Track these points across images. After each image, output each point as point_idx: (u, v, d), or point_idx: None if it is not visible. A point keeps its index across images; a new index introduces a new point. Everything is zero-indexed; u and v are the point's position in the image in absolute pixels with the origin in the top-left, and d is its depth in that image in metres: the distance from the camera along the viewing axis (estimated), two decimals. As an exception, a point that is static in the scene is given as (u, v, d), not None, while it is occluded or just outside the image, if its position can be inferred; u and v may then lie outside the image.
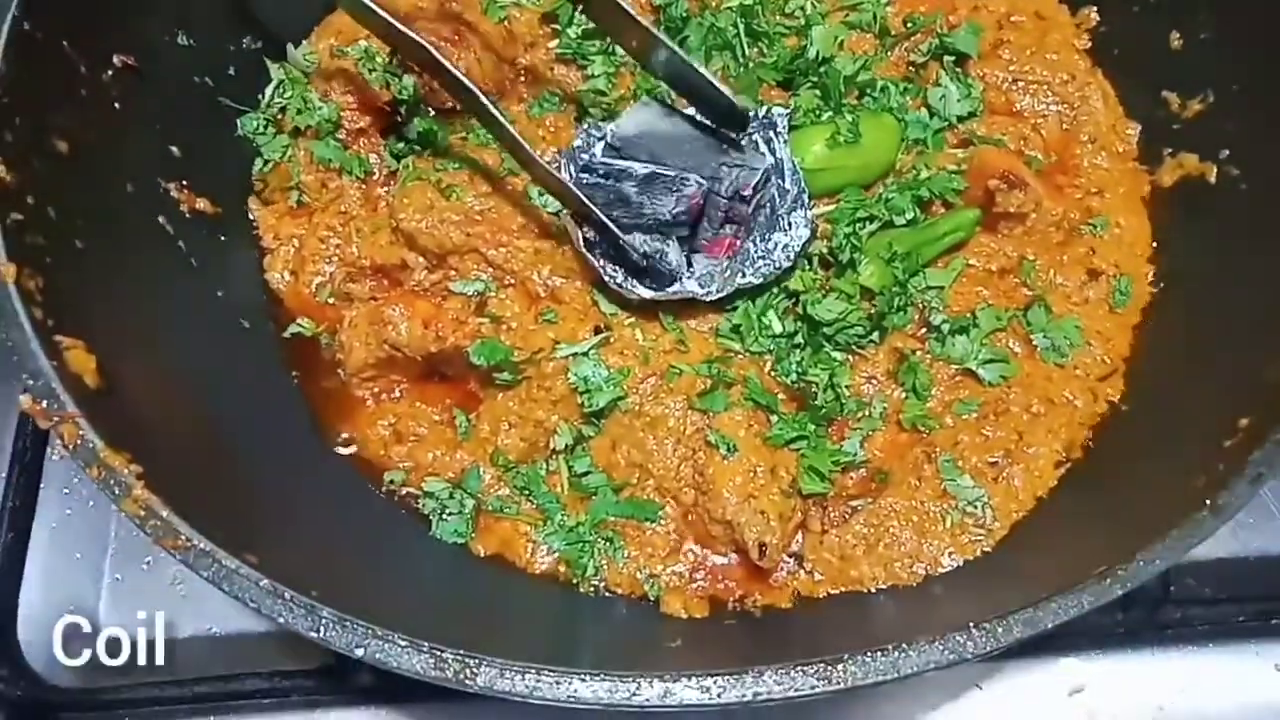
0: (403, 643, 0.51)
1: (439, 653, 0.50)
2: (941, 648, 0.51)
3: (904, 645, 0.51)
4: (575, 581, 0.72)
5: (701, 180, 0.70)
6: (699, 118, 0.76)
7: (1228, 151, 0.77)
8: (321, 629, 0.51)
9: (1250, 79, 0.76)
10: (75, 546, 0.89)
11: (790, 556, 0.72)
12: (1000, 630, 0.51)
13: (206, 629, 0.82)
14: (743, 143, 0.78)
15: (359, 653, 0.51)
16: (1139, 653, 0.81)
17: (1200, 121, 0.80)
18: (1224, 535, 0.85)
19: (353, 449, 0.78)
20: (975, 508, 0.71)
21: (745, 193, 0.72)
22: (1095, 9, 0.88)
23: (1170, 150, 0.82)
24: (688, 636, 0.68)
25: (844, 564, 0.70)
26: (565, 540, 0.72)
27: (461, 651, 0.51)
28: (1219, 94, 0.78)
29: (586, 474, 0.74)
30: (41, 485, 0.90)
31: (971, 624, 0.51)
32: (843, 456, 0.73)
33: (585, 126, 0.80)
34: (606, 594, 0.72)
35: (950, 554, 0.70)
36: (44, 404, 0.57)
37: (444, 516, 0.74)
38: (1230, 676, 0.81)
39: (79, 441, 0.56)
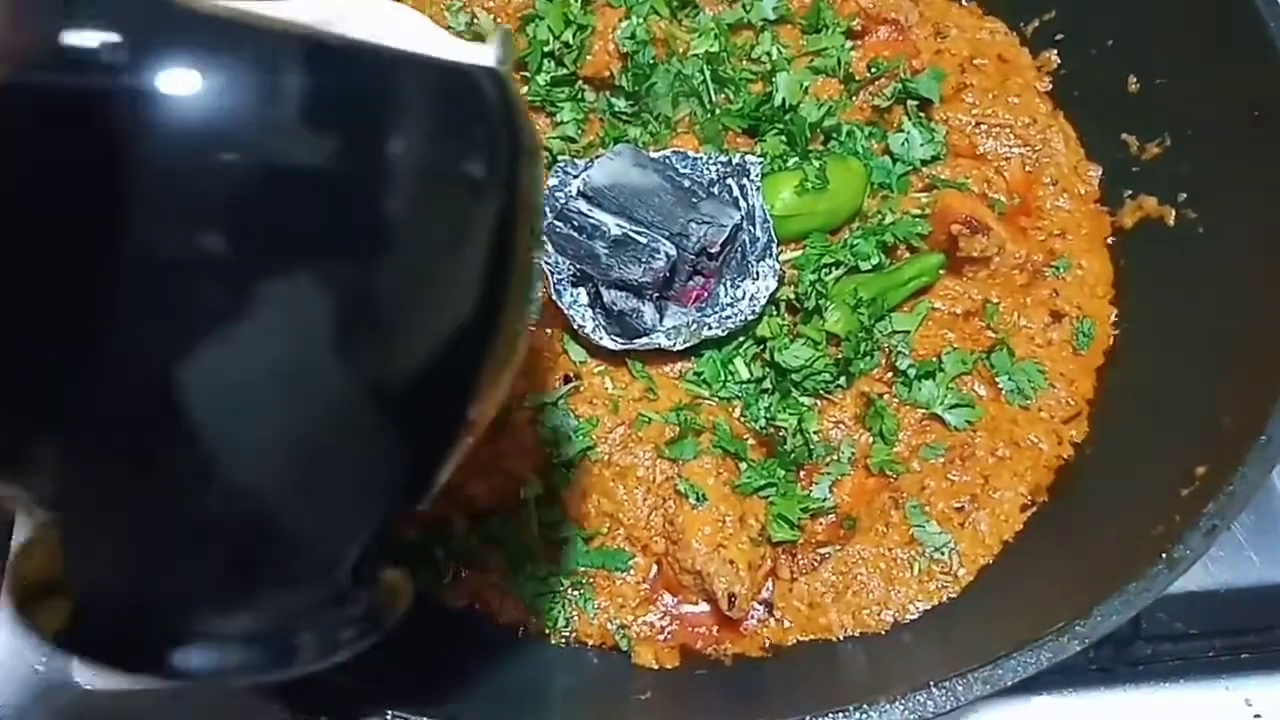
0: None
1: (401, 721, 0.51)
2: (903, 707, 0.51)
3: (865, 705, 0.51)
4: (546, 632, 0.72)
5: (670, 253, 0.71)
6: (670, 170, 0.77)
7: (1185, 195, 0.78)
8: (284, 698, 0.52)
9: (1205, 124, 0.77)
10: (47, 597, 0.89)
11: (761, 604, 0.72)
12: (961, 689, 0.52)
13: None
14: (715, 190, 0.79)
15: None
16: (1111, 690, 0.81)
17: (1158, 164, 0.81)
18: (1194, 569, 0.85)
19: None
20: (942, 554, 0.71)
21: (713, 249, 0.73)
22: (1056, 52, 0.89)
23: (1130, 192, 0.83)
24: (659, 688, 0.68)
25: (813, 611, 0.71)
26: (536, 590, 0.72)
27: (425, 718, 0.51)
28: (1175, 138, 0.80)
29: (557, 524, 0.74)
30: (13, 530, 0.89)
31: (932, 683, 0.52)
32: (811, 503, 0.73)
33: (561, 164, 0.81)
34: (577, 645, 0.72)
35: (918, 601, 0.70)
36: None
37: (415, 566, 0.74)
38: (1202, 711, 0.81)
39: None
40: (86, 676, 0.85)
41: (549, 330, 0.78)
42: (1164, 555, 0.56)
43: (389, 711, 0.51)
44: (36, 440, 0.30)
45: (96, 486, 0.31)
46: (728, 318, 0.76)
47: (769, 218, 0.78)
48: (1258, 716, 0.80)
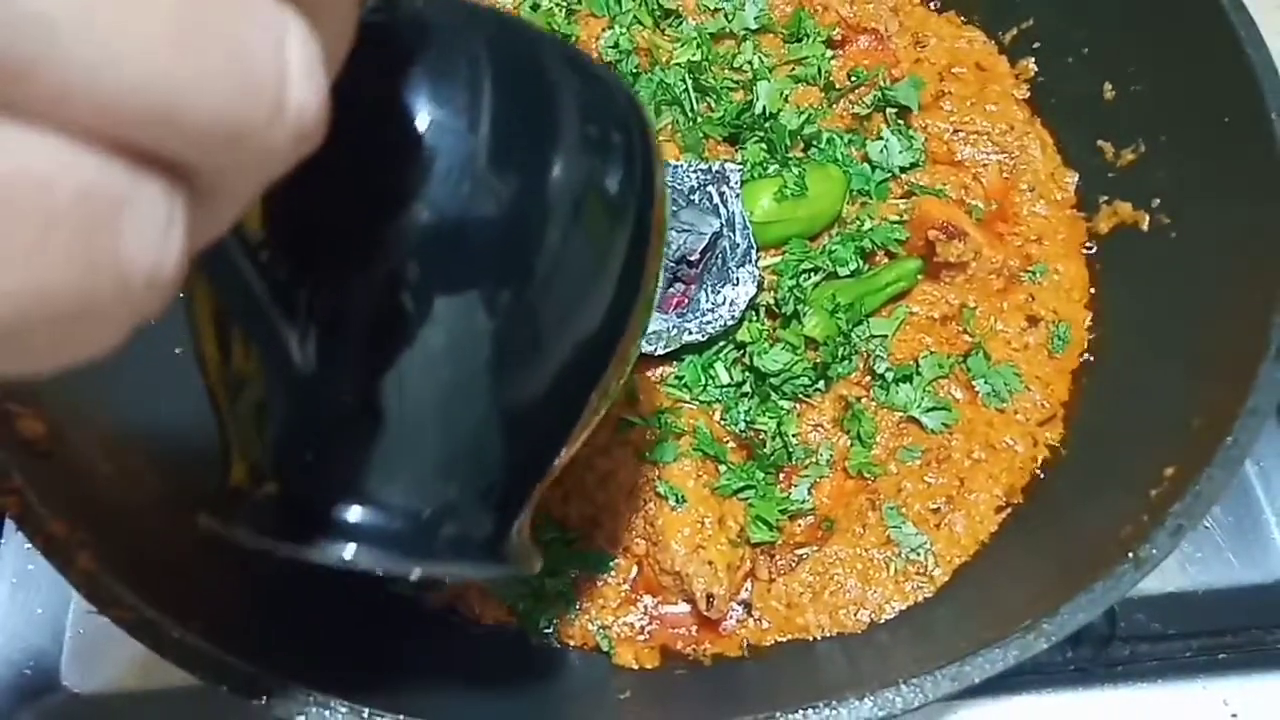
0: (343, 709, 0.52)
1: (378, 718, 0.51)
2: (871, 703, 0.52)
3: (834, 702, 0.52)
4: (528, 633, 0.73)
5: None
6: None
7: (1159, 200, 0.79)
8: (264, 697, 0.52)
9: (1177, 131, 0.79)
10: (36, 601, 0.89)
11: (740, 604, 0.73)
12: (929, 686, 0.52)
13: (181, 678, 0.82)
14: (695, 198, 0.80)
15: (300, 719, 0.52)
16: (1089, 690, 0.82)
17: (1133, 170, 0.82)
18: (1173, 570, 0.88)
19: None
20: (918, 554, 0.72)
21: (692, 258, 0.74)
22: (1033, 60, 0.91)
23: (1106, 198, 0.84)
24: (638, 688, 0.69)
25: (790, 612, 0.71)
26: (518, 592, 0.73)
27: (401, 716, 0.52)
28: (1149, 144, 0.81)
29: (538, 526, 0.74)
30: (2, 540, 0.90)
31: (901, 680, 0.53)
32: (790, 504, 0.74)
33: None
34: (557, 645, 0.72)
35: (894, 601, 0.71)
36: (-9, 474, 0.58)
37: (399, 570, 0.75)
38: (1179, 712, 0.82)
39: (24, 510, 0.57)
40: (74, 680, 0.86)
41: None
42: (1131, 555, 0.57)
43: (365, 709, 0.52)
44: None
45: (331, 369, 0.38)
46: (708, 323, 0.77)
47: (749, 224, 0.79)
48: (1234, 716, 0.81)
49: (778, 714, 0.51)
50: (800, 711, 0.51)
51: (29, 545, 0.88)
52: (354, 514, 0.39)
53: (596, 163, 0.38)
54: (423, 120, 0.34)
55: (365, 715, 0.51)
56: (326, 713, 0.51)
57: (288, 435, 0.40)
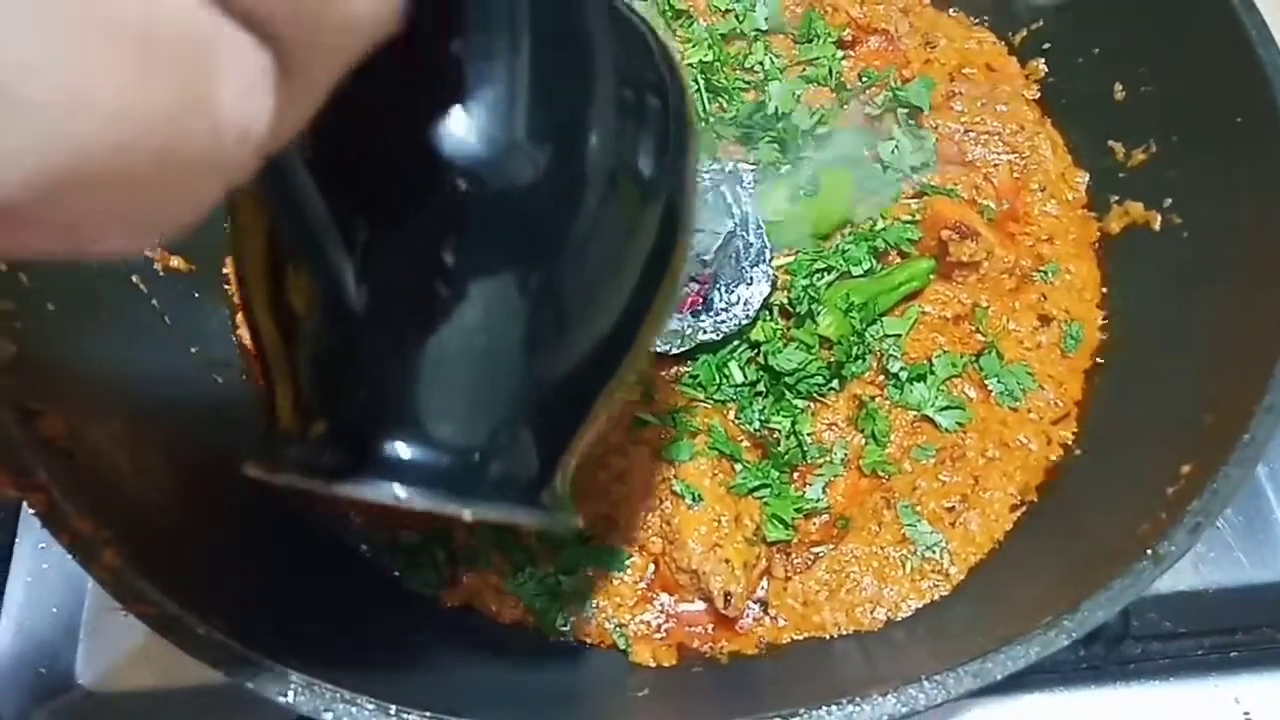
0: (370, 706, 0.52)
1: (405, 715, 0.52)
2: (895, 700, 0.52)
3: (858, 698, 0.52)
4: (545, 631, 0.73)
5: None
6: None
7: (1170, 200, 0.80)
8: (290, 693, 0.52)
9: (1188, 131, 0.79)
10: (51, 600, 0.89)
11: (756, 602, 0.73)
12: (951, 682, 0.53)
13: (196, 677, 0.82)
14: (708, 198, 0.80)
15: (327, 717, 0.52)
16: (1102, 688, 0.82)
17: (1144, 170, 0.83)
18: (1185, 569, 0.88)
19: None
20: (934, 553, 0.72)
21: (706, 257, 0.74)
22: (1043, 60, 0.91)
23: (1117, 198, 0.84)
24: (656, 686, 0.69)
25: (807, 610, 0.72)
26: (534, 591, 0.73)
27: (428, 714, 0.52)
28: (1160, 144, 0.81)
29: (555, 524, 0.75)
30: (16, 540, 0.90)
31: (924, 677, 0.53)
32: (805, 503, 0.75)
33: None
34: (575, 644, 0.73)
35: (910, 599, 0.71)
36: (12, 473, 0.58)
37: (416, 568, 0.75)
38: (1191, 709, 0.83)
39: (50, 508, 0.57)
40: (89, 678, 0.86)
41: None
42: (1149, 552, 0.57)
43: (392, 706, 0.52)
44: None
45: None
46: (722, 322, 0.77)
47: (762, 224, 0.79)
48: (1246, 714, 0.81)
49: (801, 710, 0.51)
50: (824, 708, 0.52)
51: (43, 545, 0.90)
52: (405, 450, 0.38)
53: (638, 129, 0.38)
54: (465, 52, 0.34)
55: (392, 712, 0.51)
56: (354, 709, 0.51)
57: (339, 372, 0.39)
